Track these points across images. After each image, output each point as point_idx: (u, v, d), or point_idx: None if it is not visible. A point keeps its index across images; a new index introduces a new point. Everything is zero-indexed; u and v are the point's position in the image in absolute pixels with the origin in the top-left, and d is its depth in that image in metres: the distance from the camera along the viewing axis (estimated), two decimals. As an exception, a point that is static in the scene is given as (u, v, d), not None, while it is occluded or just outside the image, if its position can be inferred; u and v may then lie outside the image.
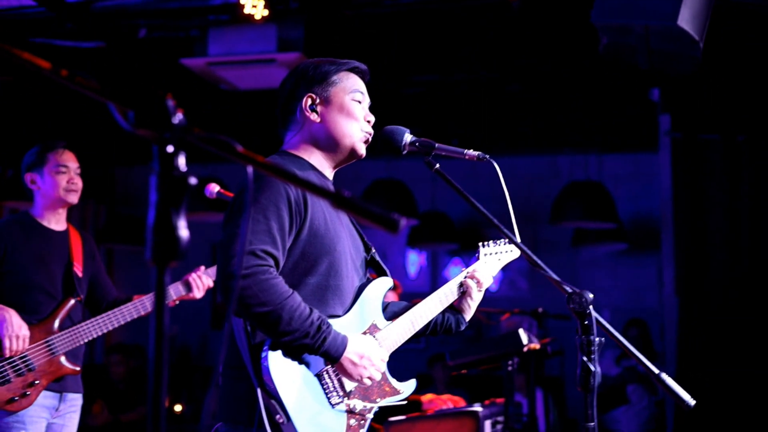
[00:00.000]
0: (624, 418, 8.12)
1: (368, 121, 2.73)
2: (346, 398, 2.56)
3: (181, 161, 1.36)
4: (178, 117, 1.36)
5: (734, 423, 6.35)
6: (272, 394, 2.41)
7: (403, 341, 2.76)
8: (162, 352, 1.37)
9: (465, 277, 2.91)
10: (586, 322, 2.38)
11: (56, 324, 4.02)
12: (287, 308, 2.39)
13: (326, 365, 2.53)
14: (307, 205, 2.53)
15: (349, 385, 2.58)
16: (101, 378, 8.40)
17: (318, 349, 2.45)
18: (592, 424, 2.39)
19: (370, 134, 2.73)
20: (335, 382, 2.54)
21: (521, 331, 4.65)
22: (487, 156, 2.62)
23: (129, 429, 7.93)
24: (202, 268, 4.17)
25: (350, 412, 2.57)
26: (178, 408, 8.44)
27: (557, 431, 7.63)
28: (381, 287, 2.76)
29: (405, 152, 2.70)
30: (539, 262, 2.50)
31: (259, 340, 2.46)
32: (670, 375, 2.54)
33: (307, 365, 2.50)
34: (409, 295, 5.87)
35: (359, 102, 2.73)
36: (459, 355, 4.91)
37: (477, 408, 4.62)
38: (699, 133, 6.61)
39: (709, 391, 6.30)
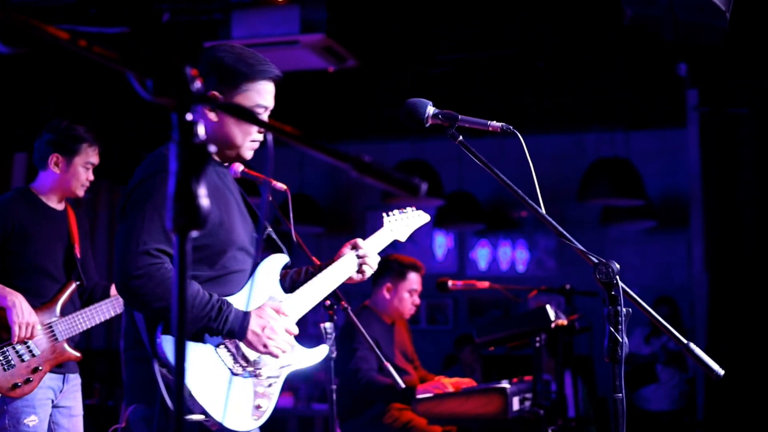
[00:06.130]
0: (654, 397, 8.09)
1: (260, 132, 2.73)
2: (249, 366, 2.62)
3: (201, 129, 1.35)
4: (196, 85, 1.36)
5: (765, 401, 6.28)
6: (171, 371, 2.45)
7: (305, 311, 2.86)
8: (184, 323, 1.37)
9: (357, 256, 3.00)
10: (612, 293, 2.36)
11: (58, 308, 3.93)
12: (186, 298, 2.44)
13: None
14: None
15: (252, 354, 2.64)
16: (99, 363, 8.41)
17: (221, 330, 2.53)
18: (620, 395, 2.37)
19: (259, 141, 2.75)
20: (236, 352, 2.60)
21: (548, 307, 4.61)
22: (511, 127, 2.61)
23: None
24: None
25: (255, 378, 2.64)
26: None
27: (587, 411, 7.60)
28: (276, 263, 2.86)
29: (428, 125, 2.70)
30: (565, 233, 2.48)
31: (154, 320, 2.52)
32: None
33: (203, 339, 2.55)
34: (434, 276, 5.86)
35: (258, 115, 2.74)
36: (486, 332, 4.88)
37: (505, 385, 4.59)
38: (727, 107, 6.52)
39: (740, 368, 6.23)
